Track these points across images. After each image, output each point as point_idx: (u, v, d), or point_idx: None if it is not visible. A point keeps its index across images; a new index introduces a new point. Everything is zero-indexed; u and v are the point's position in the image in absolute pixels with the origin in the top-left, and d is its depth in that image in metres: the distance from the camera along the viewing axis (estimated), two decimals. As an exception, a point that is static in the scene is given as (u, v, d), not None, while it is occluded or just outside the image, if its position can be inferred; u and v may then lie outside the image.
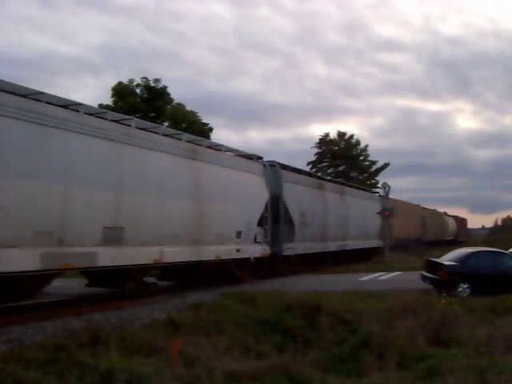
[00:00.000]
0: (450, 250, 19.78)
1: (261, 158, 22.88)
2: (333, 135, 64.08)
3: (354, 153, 62.99)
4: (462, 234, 76.23)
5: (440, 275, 16.06)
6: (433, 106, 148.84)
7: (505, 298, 13.78)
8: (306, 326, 11.73)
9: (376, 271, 24.79)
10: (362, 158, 63.38)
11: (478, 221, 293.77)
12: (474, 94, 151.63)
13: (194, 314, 11.92)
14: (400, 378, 8.35)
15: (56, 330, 10.10)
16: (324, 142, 63.61)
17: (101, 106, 32.12)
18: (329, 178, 32.55)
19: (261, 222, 21.26)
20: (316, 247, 26.71)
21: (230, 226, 18.92)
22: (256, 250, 20.77)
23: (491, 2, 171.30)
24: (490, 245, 26.58)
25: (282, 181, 23.56)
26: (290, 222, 23.87)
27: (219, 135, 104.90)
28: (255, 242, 20.78)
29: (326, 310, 12.24)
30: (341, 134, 64.04)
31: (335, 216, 29.53)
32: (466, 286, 15.87)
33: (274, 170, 23.54)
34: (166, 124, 33.58)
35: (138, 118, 30.63)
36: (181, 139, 17.27)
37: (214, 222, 17.79)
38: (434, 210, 64.69)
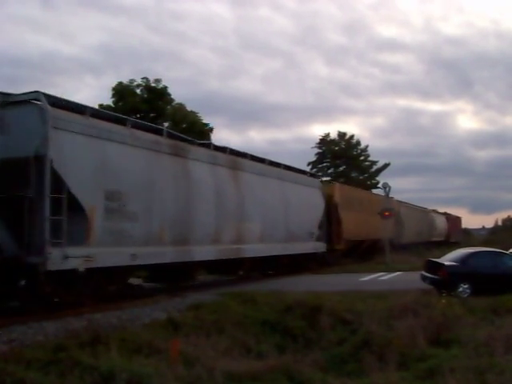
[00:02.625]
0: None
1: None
2: (333, 135, 64.16)
3: (355, 153, 62.95)
4: (455, 234, 68.34)
5: (440, 275, 16.06)
6: (434, 106, 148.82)
7: (505, 298, 13.77)
8: (307, 326, 11.73)
9: (376, 271, 24.78)
10: (362, 158, 63.35)
11: (478, 221, 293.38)
12: (474, 95, 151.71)
13: (195, 314, 11.92)
14: (400, 378, 8.35)
15: (56, 330, 10.11)
16: (324, 142, 63.60)
17: (101, 106, 32.17)
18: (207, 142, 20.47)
19: None
20: (157, 255, 15.33)
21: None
22: None
23: (492, 2, 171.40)
24: (490, 245, 26.57)
25: (50, 129, 12.17)
26: (74, 207, 12.45)
27: (219, 135, 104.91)
28: None
29: (326, 310, 12.24)
30: (341, 134, 64.03)
31: (213, 203, 17.98)
32: (466, 286, 15.86)
33: (29, 109, 12.47)
34: (166, 124, 33.60)
35: (138, 118, 30.82)
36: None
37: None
38: (418, 206, 55.37)
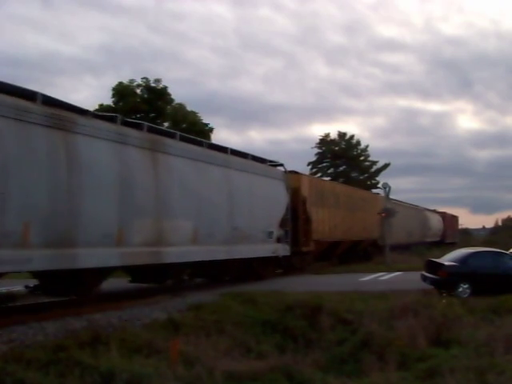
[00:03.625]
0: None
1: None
2: (333, 135, 64.18)
3: (355, 153, 62.97)
4: (451, 235, 64.86)
5: (440, 275, 16.07)
6: (434, 107, 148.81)
7: (505, 298, 13.77)
8: (307, 326, 11.72)
9: (376, 271, 24.78)
10: (362, 158, 63.37)
11: (478, 221, 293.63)
12: (475, 95, 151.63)
13: (195, 315, 11.91)
14: (400, 378, 8.35)
15: (56, 330, 10.10)
16: (324, 142, 63.61)
17: (101, 106, 32.18)
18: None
19: None
20: (15, 260, 11.15)
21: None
22: None
23: (492, 2, 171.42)
24: (490, 245, 26.58)
25: None
26: None
27: (220, 135, 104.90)
28: None
29: (326, 310, 12.24)
30: (341, 135, 64.06)
31: (114, 194, 13.84)
32: (466, 286, 15.87)
33: None
34: (166, 124, 33.61)
35: (138, 118, 30.83)
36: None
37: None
38: (409, 203, 50.35)
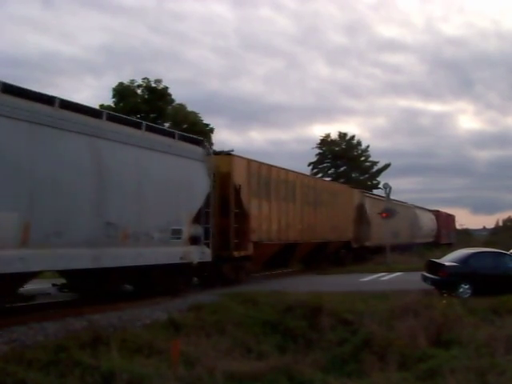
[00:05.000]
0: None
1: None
2: (334, 136, 64.22)
3: (355, 153, 63.01)
4: (446, 235, 59.17)
5: (441, 276, 16.08)
6: (435, 107, 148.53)
7: (506, 298, 13.78)
8: (307, 326, 11.73)
9: (377, 272, 24.77)
10: (363, 158, 63.41)
11: (479, 221, 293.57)
12: (476, 95, 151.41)
13: (195, 315, 11.92)
14: (401, 378, 8.36)
15: (57, 330, 10.10)
16: (325, 142, 63.64)
17: (101, 106, 32.20)
18: None
19: None
20: None
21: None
22: None
23: (493, 2, 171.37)
24: (491, 245, 26.57)
25: None
26: None
27: (220, 136, 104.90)
28: None
29: (327, 310, 12.24)
30: (342, 135, 64.10)
31: None
32: (466, 286, 15.88)
33: None
34: (167, 125, 33.65)
35: (138, 118, 30.84)
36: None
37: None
38: (395, 200, 41.42)
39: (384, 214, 30.47)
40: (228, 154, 19.70)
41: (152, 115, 33.57)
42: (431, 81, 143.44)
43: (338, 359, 10.08)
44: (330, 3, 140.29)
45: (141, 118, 31.82)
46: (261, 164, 21.48)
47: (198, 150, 17.00)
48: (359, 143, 63.95)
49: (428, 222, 52.36)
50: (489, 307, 13.30)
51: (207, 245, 16.75)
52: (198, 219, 16.42)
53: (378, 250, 34.58)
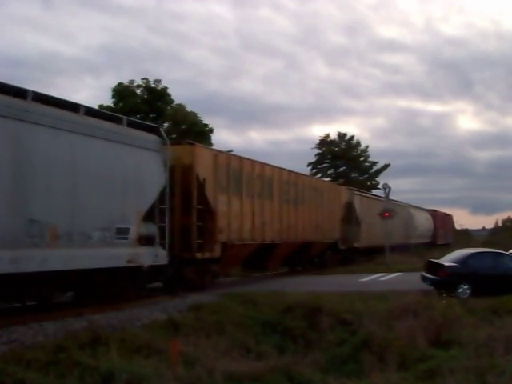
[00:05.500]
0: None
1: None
2: (333, 136, 64.24)
3: (355, 154, 63.02)
4: (443, 235, 57.37)
5: (440, 276, 16.08)
6: (434, 107, 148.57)
7: (505, 298, 13.80)
8: (307, 326, 11.74)
9: (376, 272, 24.77)
10: (362, 159, 63.42)
11: (478, 222, 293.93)
12: (475, 95, 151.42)
13: (195, 315, 11.93)
14: (400, 378, 8.36)
15: (56, 330, 10.10)
16: (324, 142, 63.65)
17: (101, 106, 32.21)
18: None
19: None
20: None
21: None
22: None
23: (493, 2, 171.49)
24: (490, 246, 26.59)
25: None
26: None
27: (220, 136, 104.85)
28: None
29: (326, 310, 12.25)
30: (341, 135, 64.12)
31: None
32: (466, 286, 15.88)
33: None
34: (166, 125, 33.64)
35: (138, 119, 30.83)
36: None
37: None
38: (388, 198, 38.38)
39: (385, 214, 30.32)
40: (190, 144, 17.38)
41: (151, 115, 33.57)
42: (431, 81, 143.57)
43: (337, 359, 10.09)
44: (330, 3, 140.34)
45: (140, 118, 31.83)
46: (230, 156, 19.47)
47: (152, 138, 14.93)
48: (359, 143, 63.99)
49: (424, 222, 50.44)
50: (488, 307, 13.31)
51: (163, 246, 14.70)
52: (151, 217, 14.47)
53: (369, 251, 32.92)
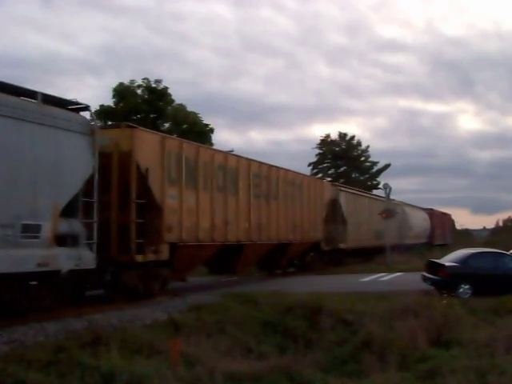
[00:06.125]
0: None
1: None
2: (334, 136, 64.28)
3: (355, 154, 63.06)
4: (441, 235, 55.33)
5: (441, 276, 16.09)
6: (435, 107, 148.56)
7: (506, 298, 13.78)
8: (307, 326, 11.73)
9: (377, 272, 24.77)
10: (363, 158, 63.47)
11: (479, 222, 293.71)
12: (476, 95, 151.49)
13: (196, 315, 11.93)
14: (401, 378, 8.35)
15: (57, 330, 10.11)
16: (325, 142, 63.71)
17: (102, 106, 32.24)
18: None
19: None
20: None
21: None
22: None
23: (493, 3, 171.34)
24: (491, 246, 26.58)
25: None
26: None
27: (220, 136, 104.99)
28: None
29: (326, 310, 12.25)
30: (342, 135, 64.17)
31: None
32: (467, 286, 15.88)
33: None
34: (166, 125, 33.67)
35: (139, 118, 30.86)
36: None
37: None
38: (377, 195, 40.37)
39: (385, 215, 30.25)
40: (130, 127, 14.88)
41: (152, 115, 33.58)
42: (432, 81, 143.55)
43: (337, 359, 10.07)
44: (331, 3, 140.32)
45: (141, 118, 31.86)
46: (182, 143, 16.77)
47: (77, 118, 12.68)
48: (359, 143, 64.08)
49: (420, 222, 48.12)
50: (489, 307, 13.31)
51: (90, 247, 12.45)
52: (72, 211, 12.17)
53: (357, 252, 31.10)
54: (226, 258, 19.22)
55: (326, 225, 27.36)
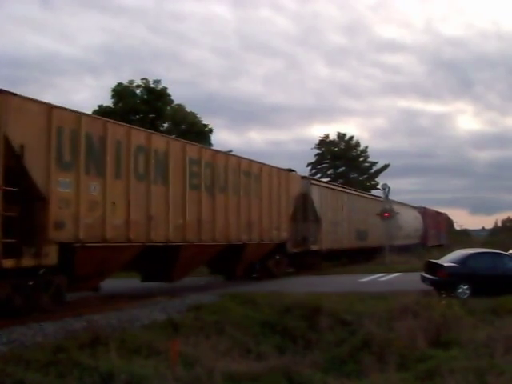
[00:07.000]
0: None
1: None
2: (333, 136, 64.29)
3: (354, 154, 63.09)
4: (435, 235, 52.60)
5: (440, 276, 16.08)
6: (434, 107, 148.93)
7: (505, 299, 13.78)
8: (306, 327, 11.73)
9: (376, 272, 24.76)
10: (362, 159, 63.49)
11: (478, 222, 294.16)
12: (475, 95, 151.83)
13: (194, 315, 11.92)
14: (400, 379, 8.34)
15: (56, 331, 10.10)
16: (324, 143, 63.74)
17: (100, 107, 32.24)
18: None
19: None
20: None
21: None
22: None
23: (493, 3, 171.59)
24: (490, 246, 26.58)
25: None
26: None
27: (219, 136, 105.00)
28: None
29: (325, 311, 12.25)
30: (341, 135, 64.17)
31: None
32: (465, 287, 15.87)
33: None
34: (165, 125, 33.66)
35: (137, 119, 30.82)
36: None
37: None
38: (361, 192, 38.06)
39: (385, 215, 30.16)
40: (14, 94, 11.18)
41: (151, 115, 33.58)
42: (431, 81, 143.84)
43: (336, 360, 10.07)
44: (330, 4, 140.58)
45: (140, 118, 31.85)
46: (81, 116, 12.94)
47: None
48: (358, 144, 64.13)
49: (411, 221, 44.77)
50: (488, 308, 13.30)
51: None
52: None
53: (335, 255, 27.97)
54: (158, 262, 15.92)
55: (293, 223, 23.42)
